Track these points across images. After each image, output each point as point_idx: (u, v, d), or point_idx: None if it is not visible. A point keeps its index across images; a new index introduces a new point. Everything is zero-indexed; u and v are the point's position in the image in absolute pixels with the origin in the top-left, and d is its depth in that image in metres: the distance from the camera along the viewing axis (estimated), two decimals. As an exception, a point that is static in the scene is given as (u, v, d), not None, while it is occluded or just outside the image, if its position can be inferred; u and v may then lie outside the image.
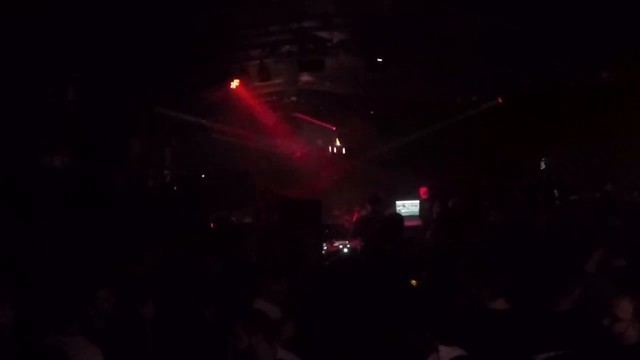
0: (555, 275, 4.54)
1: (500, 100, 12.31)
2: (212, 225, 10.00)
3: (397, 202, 12.72)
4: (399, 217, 8.54)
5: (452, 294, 4.62)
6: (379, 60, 10.76)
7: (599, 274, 4.86)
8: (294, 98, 16.77)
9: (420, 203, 12.65)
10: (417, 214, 12.34)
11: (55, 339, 3.65)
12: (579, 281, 4.45)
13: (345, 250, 9.88)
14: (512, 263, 4.58)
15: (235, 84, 11.84)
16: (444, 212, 8.61)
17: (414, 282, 5.71)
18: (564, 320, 4.09)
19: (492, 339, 3.92)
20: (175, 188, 14.40)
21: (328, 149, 19.90)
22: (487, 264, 4.35)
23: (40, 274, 5.68)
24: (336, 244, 10.31)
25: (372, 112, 17.93)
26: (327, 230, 10.65)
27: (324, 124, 19.22)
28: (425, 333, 3.66)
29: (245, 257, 6.54)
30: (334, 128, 19.63)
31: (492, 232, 7.39)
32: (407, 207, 12.53)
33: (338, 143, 20.31)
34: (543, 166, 10.55)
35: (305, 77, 13.79)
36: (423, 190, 12.48)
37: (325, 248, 9.45)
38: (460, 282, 4.71)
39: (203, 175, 15.66)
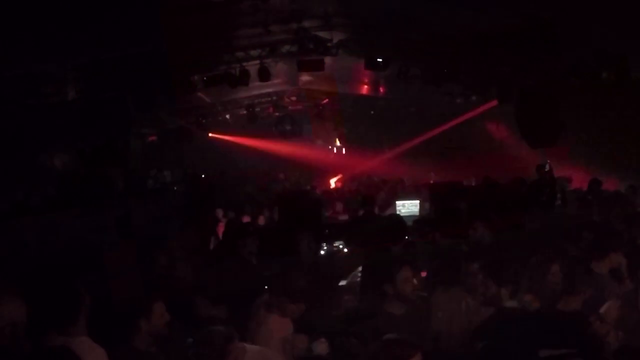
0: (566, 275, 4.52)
1: (499, 100, 12.32)
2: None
3: (397, 202, 12.68)
4: (401, 218, 8.52)
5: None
6: (379, 60, 10.77)
7: (611, 277, 4.85)
8: (294, 98, 16.78)
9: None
10: (417, 214, 12.30)
11: (60, 340, 3.60)
12: (588, 282, 4.45)
13: (345, 250, 9.85)
14: (526, 262, 4.54)
15: None
16: (445, 211, 8.58)
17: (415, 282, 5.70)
18: (571, 319, 4.06)
19: (506, 336, 3.89)
20: (175, 188, 14.41)
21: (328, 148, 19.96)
22: (504, 263, 4.31)
23: (40, 274, 5.67)
24: (336, 244, 10.28)
25: (372, 112, 17.94)
26: (327, 230, 10.61)
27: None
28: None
29: (248, 256, 6.54)
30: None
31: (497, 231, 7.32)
32: (407, 207, 12.49)
33: (338, 143, 20.32)
34: (547, 168, 10.55)
35: (305, 77, 13.79)
36: None
37: (325, 248, 9.43)
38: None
39: (203, 176, 15.69)
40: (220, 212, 12.50)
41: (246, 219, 11.93)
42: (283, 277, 4.87)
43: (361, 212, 10.09)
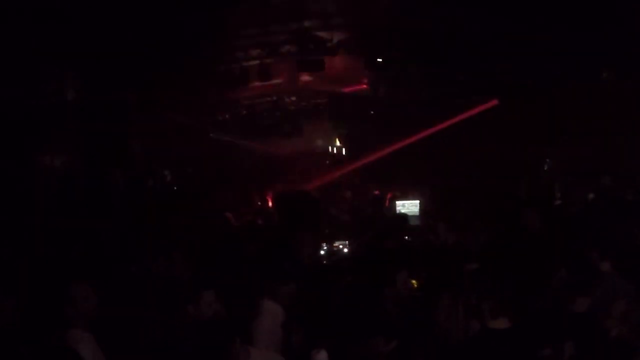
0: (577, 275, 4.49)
1: (500, 101, 12.32)
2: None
3: (397, 202, 12.70)
4: (402, 217, 8.55)
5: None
6: (379, 60, 10.76)
7: (617, 274, 4.85)
8: (294, 98, 16.77)
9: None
10: (417, 214, 12.32)
11: (57, 335, 3.66)
12: (598, 281, 4.43)
13: (345, 250, 9.87)
14: (517, 274, 4.39)
15: None
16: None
17: (414, 282, 5.71)
18: (579, 320, 4.01)
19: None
20: (175, 188, 14.41)
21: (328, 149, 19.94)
22: (490, 274, 4.10)
23: (39, 273, 5.67)
24: (336, 243, 10.30)
25: (372, 112, 17.92)
26: (327, 230, 10.63)
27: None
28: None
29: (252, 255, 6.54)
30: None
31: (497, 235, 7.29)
32: (407, 207, 12.50)
33: (338, 143, 20.31)
34: (546, 167, 10.56)
35: (305, 77, 13.79)
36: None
37: (325, 248, 9.43)
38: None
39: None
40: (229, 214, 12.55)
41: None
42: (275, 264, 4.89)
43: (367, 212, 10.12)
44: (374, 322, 4.10)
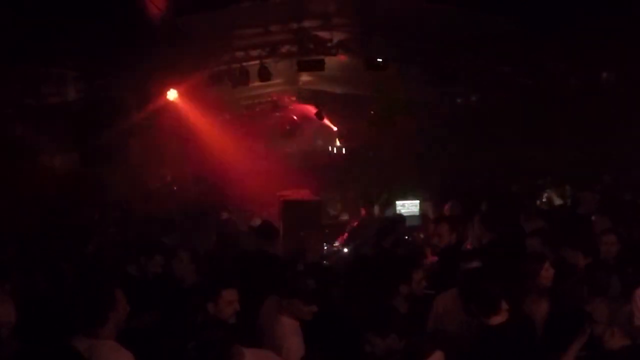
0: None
1: (499, 101, 12.33)
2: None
3: (397, 202, 12.71)
4: (398, 217, 8.56)
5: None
6: (379, 60, 10.76)
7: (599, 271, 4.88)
8: (294, 98, 16.76)
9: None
10: (417, 213, 12.34)
11: (86, 342, 3.61)
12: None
13: (346, 250, 9.89)
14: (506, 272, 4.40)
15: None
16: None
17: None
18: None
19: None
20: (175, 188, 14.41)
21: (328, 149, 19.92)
22: (488, 272, 4.13)
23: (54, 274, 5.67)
24: (336, 244, 10.34)
25: (372, 112, 17.91)
26: (327, 231, 10.66)
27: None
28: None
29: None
30: (335, 128, 19.63)
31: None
32: (407, 207, 12.51)
33: (338, 143, 20.30)
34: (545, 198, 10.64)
35: (305, 77, 13.78)
36: None
37: (325, 248, 9.46)
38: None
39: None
40: (224, 214, 12.51)
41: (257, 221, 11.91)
42: (292, 278, 4.85)
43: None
44: (386, 319, 4.10)
